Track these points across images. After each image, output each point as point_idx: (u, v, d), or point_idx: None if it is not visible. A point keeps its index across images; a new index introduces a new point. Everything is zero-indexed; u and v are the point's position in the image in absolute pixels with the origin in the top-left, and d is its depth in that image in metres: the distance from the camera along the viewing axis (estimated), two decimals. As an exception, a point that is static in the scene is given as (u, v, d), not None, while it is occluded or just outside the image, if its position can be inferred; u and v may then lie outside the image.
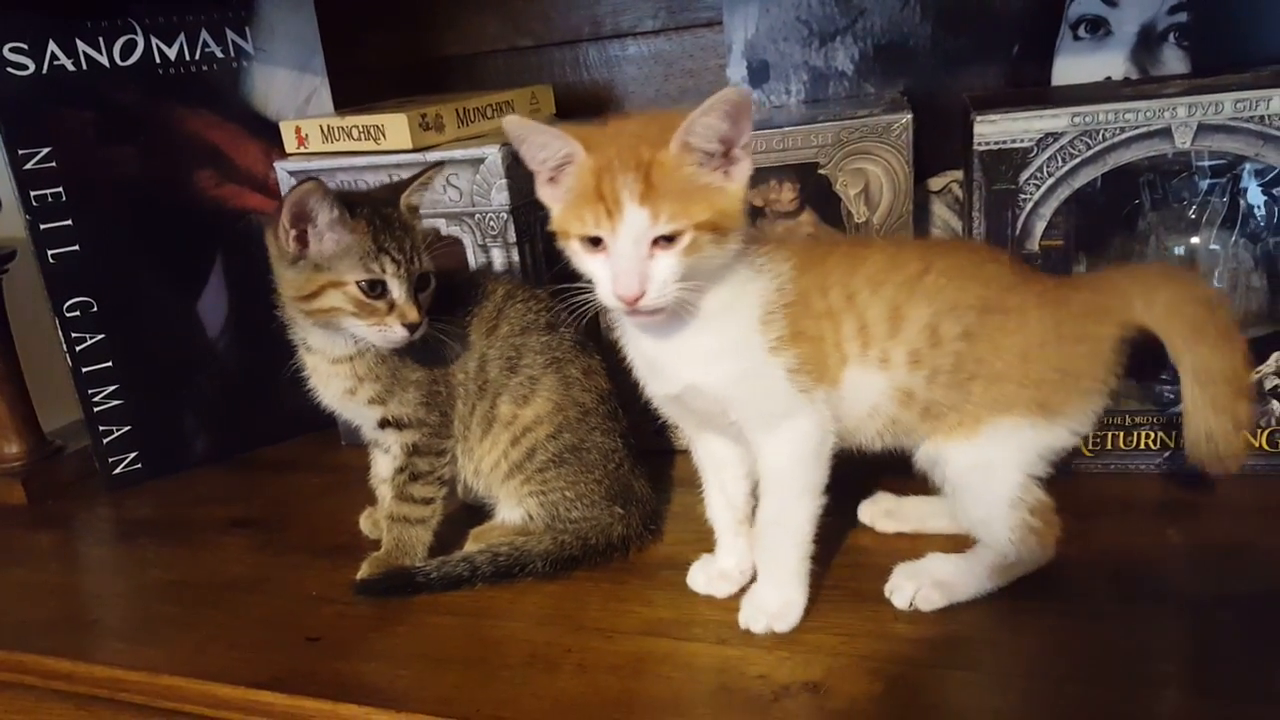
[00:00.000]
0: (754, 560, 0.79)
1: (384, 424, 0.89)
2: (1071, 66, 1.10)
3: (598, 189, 0.66)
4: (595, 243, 0.68)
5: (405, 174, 1.04)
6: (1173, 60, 1.07)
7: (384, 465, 0.94)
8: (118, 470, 1.16)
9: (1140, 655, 0.69)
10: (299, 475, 1.15)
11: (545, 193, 0.72)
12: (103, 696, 0.81)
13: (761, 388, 0.73)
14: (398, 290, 0.82)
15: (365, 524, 0.98)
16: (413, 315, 0.82)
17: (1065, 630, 0.72)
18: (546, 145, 0.69)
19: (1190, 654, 0.69)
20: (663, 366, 0.75)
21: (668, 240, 0.66)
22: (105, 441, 1.15)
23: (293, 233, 0.81)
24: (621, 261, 0.66)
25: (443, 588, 0.85)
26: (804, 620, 0.76)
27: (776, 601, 0.76)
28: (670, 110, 0.70)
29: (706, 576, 0.82)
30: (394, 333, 0.82)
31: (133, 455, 1.16)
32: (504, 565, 0.85)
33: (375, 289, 0.81)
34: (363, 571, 0.87)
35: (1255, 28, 1.04)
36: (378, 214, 0.83)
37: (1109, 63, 1.08)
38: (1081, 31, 1.09)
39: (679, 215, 0.66)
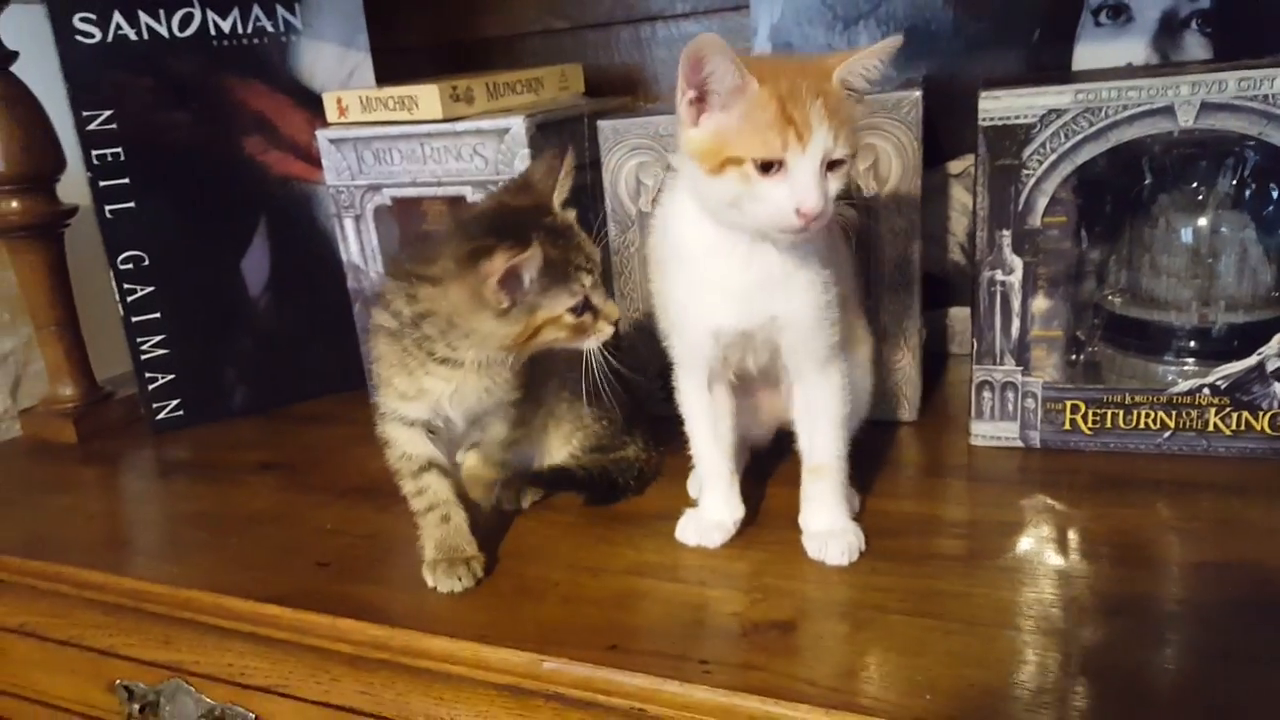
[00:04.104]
0: (816, 497, 0.82)
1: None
2: (1092, 53, 1.10)
3: (783, 114, 0.69)
4: (767, 168, 0.71)
5: (436, 143, 1.10)
6: (1195, 47, 1.06)
7: (472, 460, 0.93)
8: (161, 416, 1.23)
9: (1108, 611, 0.70)
10: (329, 428, 1.20)
11: (685, 111, 0.73)
12: (128, 606, 0.87)
13: (829, 323, 0.79)
14: (598, 297, 0.82)
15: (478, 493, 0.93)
16: (615, 312, 0.83)
17: (1048, 591, 0.73)
18: (724, 72, 0.70)
19: (1183, 629, 0.69)
20: (752, 297, 0.77)
21: (832, 163, 0.72)
22: (151, 388, 1.22)
23: (502, 292, 0.77)
24: (808, 178, 0.70)
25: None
26: (783, 568, 0.79)
27: (854, 528, 0.81)
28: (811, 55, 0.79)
29: (698, 528, 0.85)
30: (604, 334, 0.83)
31: (175, 402, 1.24)
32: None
33: (583, 307, 0.81)
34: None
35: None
36: (550, 232, 0.80)
37: (1130, 49, 1.08)
38: (1103, 17, 1.09)
39: (847, 140, 0.71)
